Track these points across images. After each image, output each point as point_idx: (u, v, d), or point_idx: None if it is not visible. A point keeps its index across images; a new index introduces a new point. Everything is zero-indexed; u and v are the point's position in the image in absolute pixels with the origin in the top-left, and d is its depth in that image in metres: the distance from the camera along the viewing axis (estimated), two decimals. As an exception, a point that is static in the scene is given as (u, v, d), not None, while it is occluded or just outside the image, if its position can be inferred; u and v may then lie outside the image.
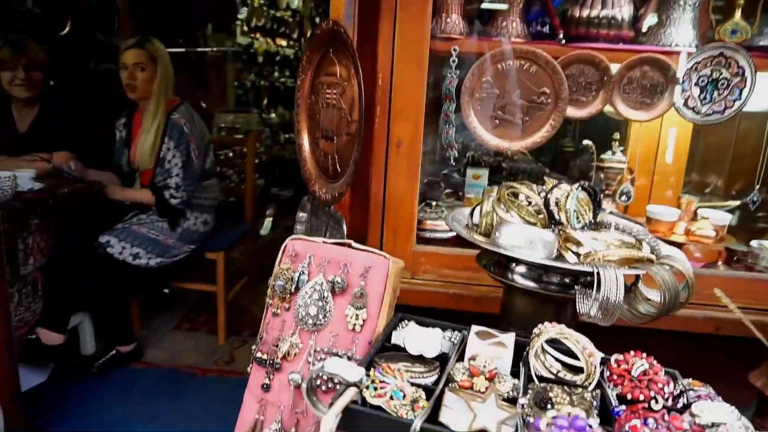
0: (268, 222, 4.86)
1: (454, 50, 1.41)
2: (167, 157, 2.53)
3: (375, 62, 1.39)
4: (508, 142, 1.44)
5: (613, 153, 1.68)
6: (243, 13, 5.63)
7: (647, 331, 1.20)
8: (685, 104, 1.45)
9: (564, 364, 0.93)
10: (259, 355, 1.06)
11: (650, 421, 0.71)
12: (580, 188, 1.02)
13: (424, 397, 0.77)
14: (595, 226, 0.99)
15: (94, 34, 3.93)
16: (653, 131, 1.74)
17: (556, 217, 0.99)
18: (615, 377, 0.88)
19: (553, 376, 0.93)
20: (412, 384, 0.81)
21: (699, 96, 1.42)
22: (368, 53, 1.39)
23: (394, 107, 1.41)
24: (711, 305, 1.38)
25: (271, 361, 1.03)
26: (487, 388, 0.80)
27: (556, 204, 1.01)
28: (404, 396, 0.74)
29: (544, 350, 0.93)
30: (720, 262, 1.59)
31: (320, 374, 0.82)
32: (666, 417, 0.71)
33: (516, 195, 1.11)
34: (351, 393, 0.76)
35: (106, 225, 2.52)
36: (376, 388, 0.75)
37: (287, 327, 1.04)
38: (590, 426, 0.69)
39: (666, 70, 1.43)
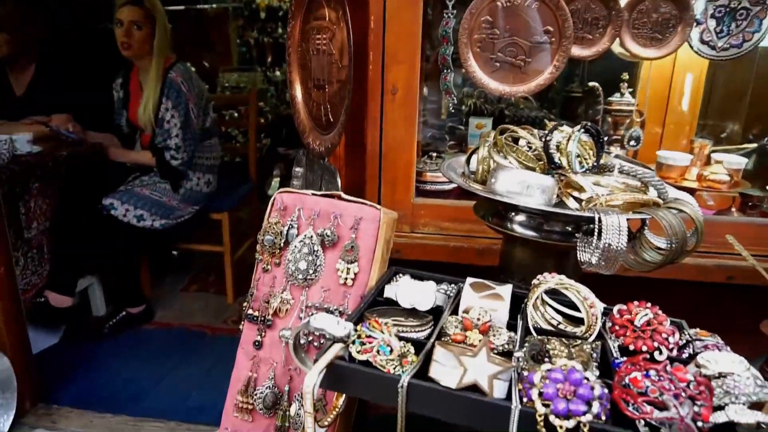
0: (275, 182, 4.82)
1: (449, -11, 1.32)
2: (166, 117, 2.48)
3: (366, 3, 1.31)
4: (509, 86, 1.36)
5: (622, 95, 1.58)
6: (242, -35, 5.44)
7: (655, 281, 1.15)
8: (701, 39, 1.35)
9: (565, 316, 0.89)
10: (250, 312, 1.03)
11: (651, 372, 0.66)
12: (582, 130, 0.95)
13: (413, 351, 0.73)
14: (599, 170, 0.93)
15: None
16: (665, 72, 1.64)
17: (557, 161, 0.93)
18: (617, 328, 0.84)
19: (553, 329, 0.89)
20: (402, 338, 0.77)
21: (715, 29, 1.32)
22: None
23: (388, 52, 1.33)
24: (723, 253, 1.32)
25: (263, 318, 1.00)
26: (480, 342, 0.76)
27: (557, 147, 0.95)
28: (391, 351, 0.71)
29: (543, 302, 0.89)
30: (734, 208, 1.51)
31: (307, 330, 0.78)
32: (669, 368, 0.66)
33: (516, 140, 1.05)
34: (336, 348, 0.72)
35: (109, 187, 2.50)
36: (363, 344, 0.72)
37: (278, 283, 1.01)
38: (587, 379, 0.65)
39: (679, 1, 1.32)
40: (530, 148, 0.99)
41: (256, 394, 1.01)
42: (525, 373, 0.69)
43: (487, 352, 0.69)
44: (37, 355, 2.10)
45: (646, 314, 0.81)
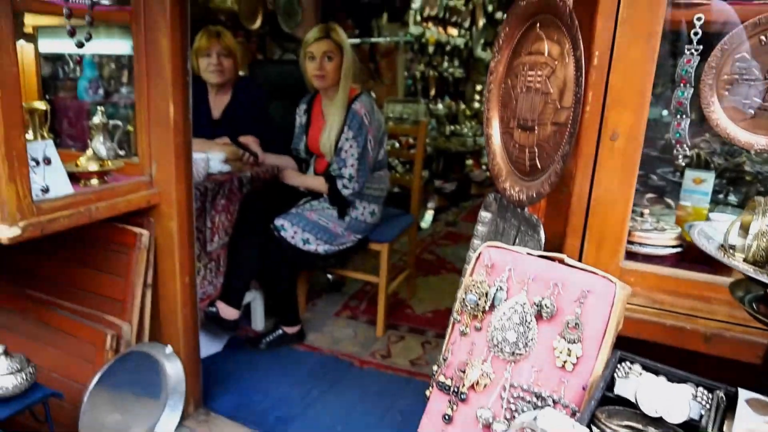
0: (429, 215, 4.78)
1: (698, 20, 1.11)
2: (344, 147, 2.54)
3: (591, 37, 1.15)
4: (766, 137, 1.11)
5: None
6: (417, 2, 5.59)
7: None
8: None
9: None
10: (441, 379, 0.91)
11: None
12: None
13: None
14: None
15: (280, 27, 4.15)
16: None
17: None
18: None
19: None
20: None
21: None
22: (583, 27, 1.16)
23: (611, 93, 1.16)
24: None
25: (456, 389, 0.88)
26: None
27: None
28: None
29: None
30: None
31: (528, 427, 0.64)
32: None
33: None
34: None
35: (282, 208, 2.59)
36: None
37: (477, 351, 0.88)
38: None
39: None
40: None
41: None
42: None
43: None
44: (203, 360, 2.20)
45: None
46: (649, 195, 1.77)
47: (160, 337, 1.97)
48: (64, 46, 1.55)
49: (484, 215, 1.40)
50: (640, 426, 0.69)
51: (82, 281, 1.86)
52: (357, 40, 4.90)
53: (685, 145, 1.20)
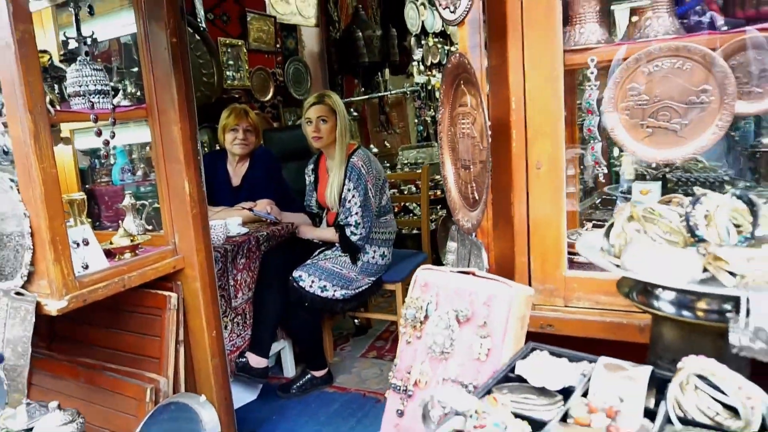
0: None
1: (591, 60, 1.32)
2: (347, 197, 2.79)
3: (507, 87, 1.37)
4: (666, 150, 1.28)
5: None
6: (418, 54, 5.94)
7: None
8: None
9: (727, 407, 0.79)
10: (394, 381, 1.10)
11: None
12: (734, 197, 0.87)
13: (529, 431, 0.73)
14: (755, 241, 0.83)
15: (291, 95, 4.54)
16: None
17: (698, 234, 0.86)
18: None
19: (709, 420, 0.80)
20: (524, 417, 0.77)
21: None
22: (500, 79, 1.38)
23: (531, 129, 1.37)
24: None
25: (404, 388, 1.07)
26: (609, 428, 0.73)
27: (705, 217, 0.87)
28: (506, 428, 0.71)
29: (696, 388, 0.81)
30: None
31: (432, 401, 0.83)
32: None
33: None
34: (454, 422, 0.75)
35: (299, 260, 2.85)
36: (478, 419, 0.74)
37: (418, 355, 1.07)
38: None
39: None
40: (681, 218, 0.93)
41: (401, 463, 1.06)
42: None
43: (609, 439, 0.66)
44: (239, 409, 2.42)
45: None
46: (608, 209, 1.94)
47: (195, 388, 2.21)
48: (97, 141, 1.88)
49: (451, 245, 1.60)
50: (534, 396, 0.87)
51: (122, 343, 2.13)
52: (365, 97, 5.25)
53: (602, 165, 1.39)
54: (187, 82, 2.04)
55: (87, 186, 2.49)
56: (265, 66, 4.30)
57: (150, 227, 2.17)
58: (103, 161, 2.56)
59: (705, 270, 0.86)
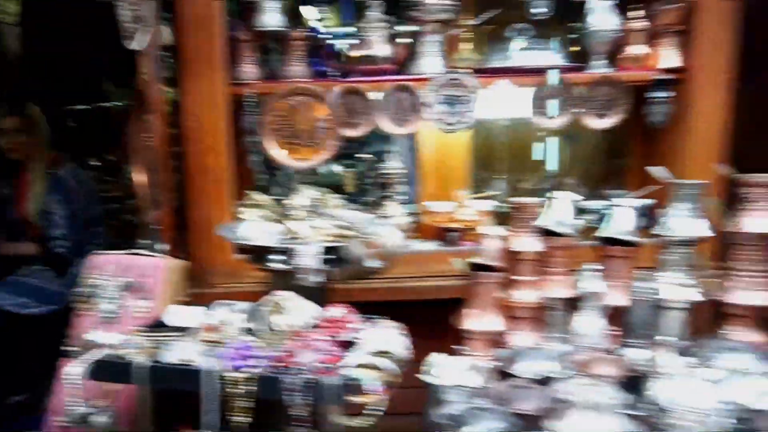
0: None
1: (248, 94, 1.79)
2: (50, 210, 2.73)
3: (184, 111, 1.75)
4: (301, 160, 1.80)
5: (387, 162, 2.02)
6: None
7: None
8: (439, 118, 1.81)
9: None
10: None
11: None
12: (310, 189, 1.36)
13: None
14: (318, 217, 1.33)
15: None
16: (442, 142, 2.06)
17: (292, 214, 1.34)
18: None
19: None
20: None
21: (446, 110, 1.79)
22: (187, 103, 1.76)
23: (203, 145, 1.76)
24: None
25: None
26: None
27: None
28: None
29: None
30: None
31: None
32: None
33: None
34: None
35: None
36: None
37: (95, 323, 1.33)
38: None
39: (415, 94, 1.80)
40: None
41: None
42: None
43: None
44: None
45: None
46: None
47: None
48: None
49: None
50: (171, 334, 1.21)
51: None
52: (87, 106, 4.92)
53: (261, 173, 1.86)
54: None
55: None
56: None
57: None
58: None
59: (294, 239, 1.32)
